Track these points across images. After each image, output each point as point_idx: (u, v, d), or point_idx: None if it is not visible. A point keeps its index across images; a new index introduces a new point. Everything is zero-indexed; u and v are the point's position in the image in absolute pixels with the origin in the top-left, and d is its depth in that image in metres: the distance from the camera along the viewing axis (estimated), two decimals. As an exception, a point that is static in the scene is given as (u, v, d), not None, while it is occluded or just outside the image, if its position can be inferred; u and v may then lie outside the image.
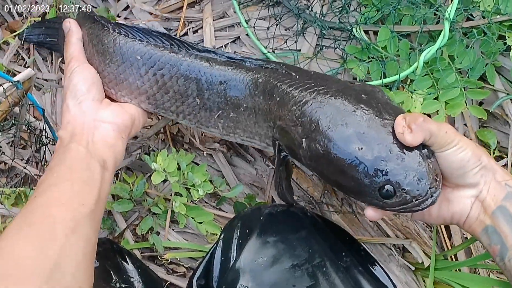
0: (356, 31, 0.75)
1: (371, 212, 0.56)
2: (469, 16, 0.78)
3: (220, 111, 0.65)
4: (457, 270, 0.73)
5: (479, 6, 0.76)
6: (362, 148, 0.53)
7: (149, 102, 0.66)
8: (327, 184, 0.74)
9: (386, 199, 0.53)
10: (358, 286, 0.60)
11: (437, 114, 0.76)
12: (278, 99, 0.60)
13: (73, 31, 0.67)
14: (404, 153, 0.52)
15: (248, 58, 0.65)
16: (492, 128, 0.81)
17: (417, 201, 0.52)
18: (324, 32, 0.79)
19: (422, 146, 0.54)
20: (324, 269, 0.62)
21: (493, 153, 0.79)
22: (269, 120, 0.62)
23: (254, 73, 0.63)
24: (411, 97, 0.76)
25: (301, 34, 0.79)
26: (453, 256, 0.74)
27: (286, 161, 0.64)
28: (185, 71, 0.64)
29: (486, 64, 0.78)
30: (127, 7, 0.81)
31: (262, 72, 0.63)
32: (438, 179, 0.53)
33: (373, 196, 0.53)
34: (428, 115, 0.77)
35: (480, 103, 0.81)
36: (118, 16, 0.81)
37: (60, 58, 0.81)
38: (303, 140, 0.56)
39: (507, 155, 0.79)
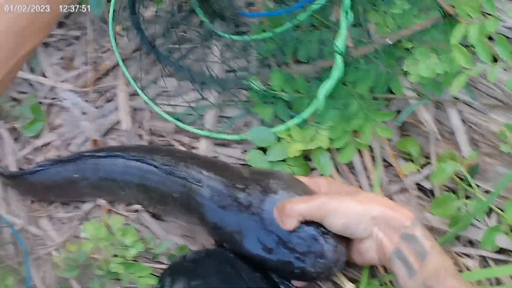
0: (252, 83, 0.77)
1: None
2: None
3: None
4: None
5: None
6: (265, 247, 0.64)
7: None
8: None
9: (300, 278, 0.66)
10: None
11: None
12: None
13: None
14: (301, 237, 0.63)
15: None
16: (416, 135, 0.80)
17: (323, 275, 0.64)
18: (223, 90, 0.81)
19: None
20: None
21: (417, 160, 0.79)
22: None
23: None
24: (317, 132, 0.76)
25: (202, 98, 0.82)
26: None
27: None
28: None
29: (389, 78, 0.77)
30: (52, 88, 0.89)
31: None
32: (337, 250, 0.63)
33: (291, 276, 0.65)
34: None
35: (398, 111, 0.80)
36: (46, 97, 0.89)
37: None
38: (224, 244, 0.69)
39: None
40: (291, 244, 0.63)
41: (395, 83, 0.77)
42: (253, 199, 0.66)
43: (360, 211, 0.60)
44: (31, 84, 0.89)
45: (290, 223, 0.61)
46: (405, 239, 0.60)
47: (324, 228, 0.63)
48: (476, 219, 0.76)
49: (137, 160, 0.74)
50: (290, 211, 0.61)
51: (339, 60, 0.72)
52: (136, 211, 0.80)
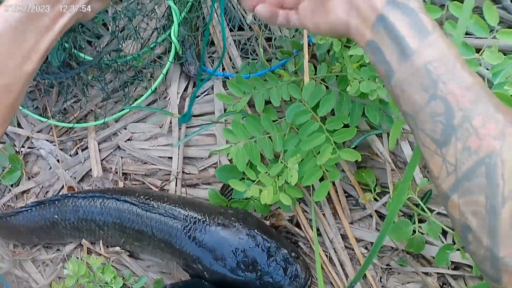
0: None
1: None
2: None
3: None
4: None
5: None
6: (246, 274, 0.73)
7: None
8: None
9: None
10: None
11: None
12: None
13: None
14: (277, 261, 0.73)
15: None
16: (370, 167, 0.86)
17: None
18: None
19: (291, 249, 0.73)
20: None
21: (375, 190, 0.85)
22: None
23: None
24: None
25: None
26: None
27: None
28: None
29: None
30: (28, 138, 0.93)
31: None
32: (308, 271, 0.74)
33: None
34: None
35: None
36: (23, 146, 0.93)
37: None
38: (205, 273, 0.75)
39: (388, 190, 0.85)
40: (270, 268, 0.73)
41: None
42: (232, 232, 0.75)
43: None
44: (7, 135, 0.93)
45: None
46: (394, 5, 0.45)
47: (296, 252, 0.74)
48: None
49: (114, 200, 0.80)
50: None
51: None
52: (116, 252, 0.85)
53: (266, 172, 0.79)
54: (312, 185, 0.81)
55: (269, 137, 0.81)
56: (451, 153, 0.43)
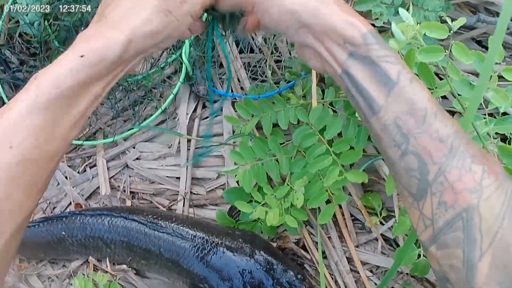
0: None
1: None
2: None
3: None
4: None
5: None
6: None
7: None
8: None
9: None
10: None
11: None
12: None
13: None
14: (283, 283, 0.73)
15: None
16: (377, 191, 0.87)
17: None
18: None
19: (297, 271, 0.73)
20: None
21: (381, 214, 0.85)
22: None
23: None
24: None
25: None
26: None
27: None
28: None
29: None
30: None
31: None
32: None
33: None
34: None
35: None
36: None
37: None
38: None
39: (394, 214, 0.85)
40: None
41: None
42: (240, 253, 0.75)
43: (288, 10, 0.46)
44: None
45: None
46: (356, 59, 0.44)
47: (302, 274, 0.74)
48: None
49: (122, 218, 0.80)
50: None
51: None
52: (123, 270, 0.85)
53: (272, 194, 0.80)
54: (319, 208, 0.82)
55: (276, 160, 0.82)
56: (427, 207, 0.42)
